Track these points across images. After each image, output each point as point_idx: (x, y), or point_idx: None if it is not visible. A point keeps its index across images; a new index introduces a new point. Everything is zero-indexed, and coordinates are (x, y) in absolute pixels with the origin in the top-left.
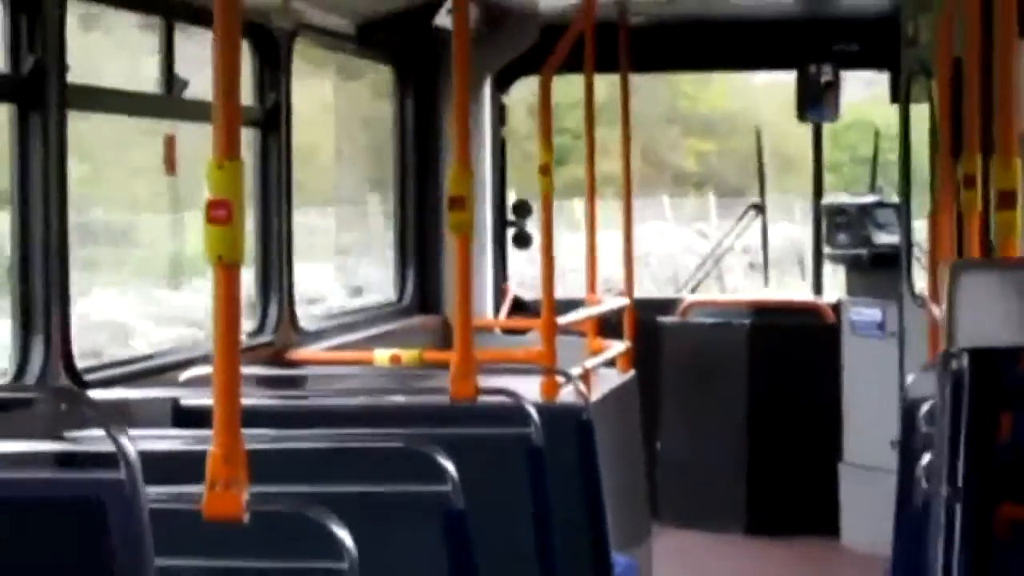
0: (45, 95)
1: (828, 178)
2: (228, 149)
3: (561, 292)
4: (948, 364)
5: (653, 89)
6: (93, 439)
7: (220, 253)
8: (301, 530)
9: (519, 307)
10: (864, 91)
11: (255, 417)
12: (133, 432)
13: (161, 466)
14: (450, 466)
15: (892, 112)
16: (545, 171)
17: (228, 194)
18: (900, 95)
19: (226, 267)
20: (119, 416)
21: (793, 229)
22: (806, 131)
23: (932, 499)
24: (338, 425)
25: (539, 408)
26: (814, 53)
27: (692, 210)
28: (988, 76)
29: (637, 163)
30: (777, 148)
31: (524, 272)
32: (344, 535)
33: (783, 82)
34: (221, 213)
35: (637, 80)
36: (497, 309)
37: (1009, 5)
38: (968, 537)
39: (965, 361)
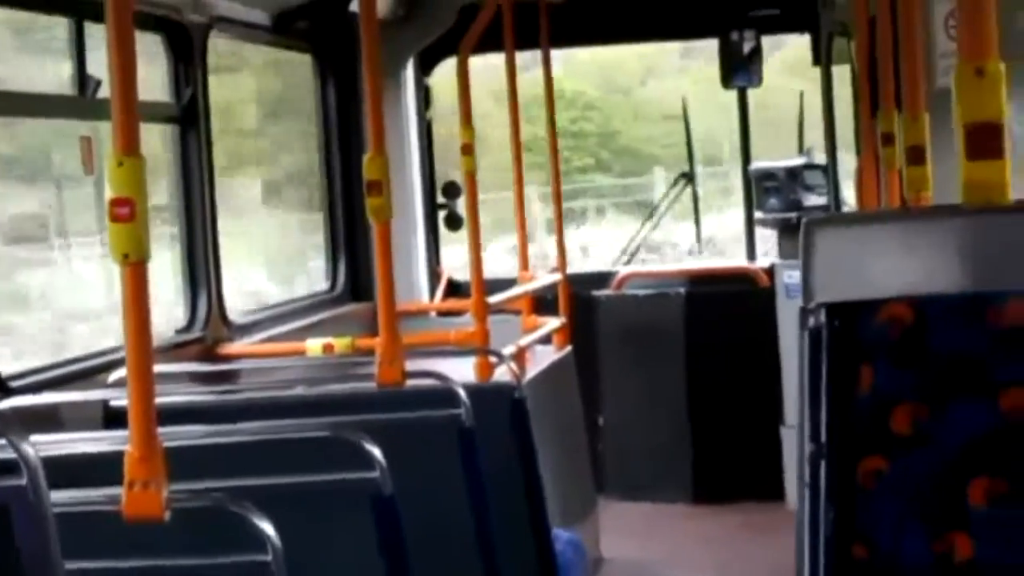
0: None
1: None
2: (127, 145)
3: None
4: (806, 320)
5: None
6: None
7: (126, 251)
8: (227, 525)
9: (455, 289)
10: None
11: (185, 414)
12: (57, 436)
13: (89, 469)
14: (377, 452)
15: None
16: (467, 151)
17: (130, 191)
18: (821, 57)
19: (132, 265)
20: (46, 421)
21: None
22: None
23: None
24: (269, 418)
25: (469, 389)
26: (735, 20)
27: None
28: (899, 35)
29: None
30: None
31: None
32: (267, 527)
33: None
34: (124, 211)
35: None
36: (432, 292)
37: None
38: (833, 491)
39: (822, 316)
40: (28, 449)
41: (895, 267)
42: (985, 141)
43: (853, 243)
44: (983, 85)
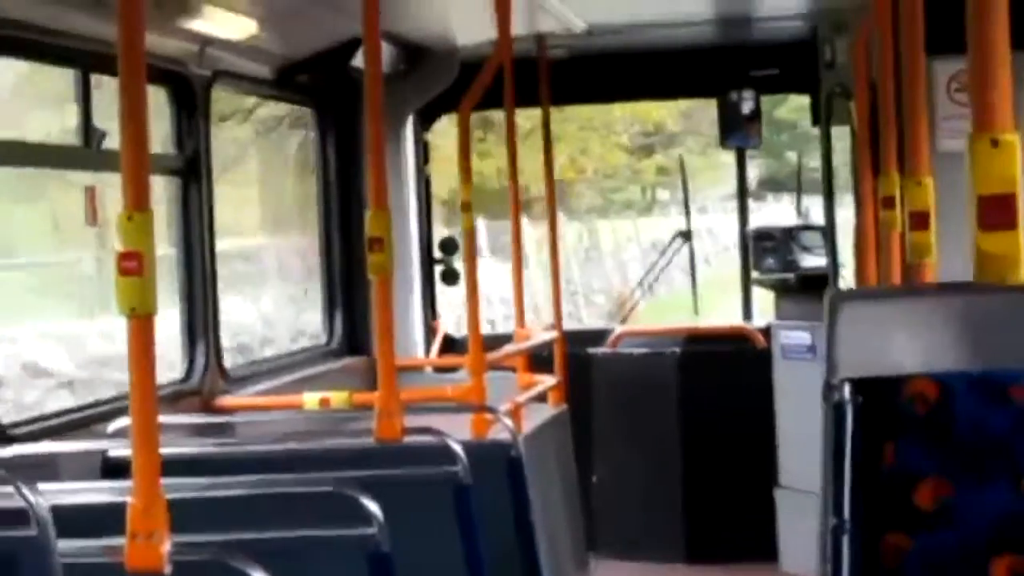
0: None
1: None
2: (137, 200)
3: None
4: (830, 395)
5: None
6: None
7: (133, 305)
8: None
9: (450, 345)
10: None
11: (182, 466)
12: (58, 486)
13: (87, 519)
14: (375, 508)
15: None
16: (466, 208)
17: (139, 245)
18: (820, 117)
19: (139, 319)
20: (45, 470)
21: None
22: None
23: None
24: (266, 471)
25: (466, 446)
26: (734, 79)
27: None
28: (901, 97)
29: None
30: None
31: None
32: None
33: None
34: (132, 264)
35: None
36: (428, 348)
37: (916, 28)
38: (856, 567)
39: (847, 391)
40: (39, 500)
41: (919, 343)
42: (999, 212)
43: (878, 318)
44: (997, 156)
